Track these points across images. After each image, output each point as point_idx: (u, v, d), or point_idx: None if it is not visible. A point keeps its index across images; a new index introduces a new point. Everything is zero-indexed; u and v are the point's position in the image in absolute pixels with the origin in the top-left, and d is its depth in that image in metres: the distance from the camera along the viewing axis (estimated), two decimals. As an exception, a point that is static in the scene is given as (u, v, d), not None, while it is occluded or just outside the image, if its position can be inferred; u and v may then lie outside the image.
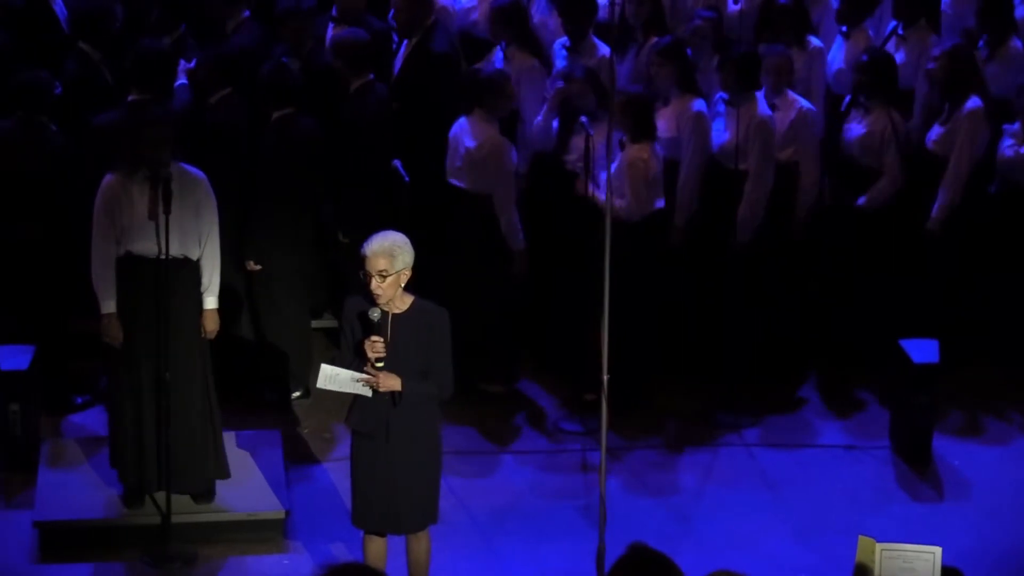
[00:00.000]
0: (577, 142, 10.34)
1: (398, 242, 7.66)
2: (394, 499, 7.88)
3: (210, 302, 8.96)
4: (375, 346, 7.59)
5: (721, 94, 10.57)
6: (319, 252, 10.42)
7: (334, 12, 11.26)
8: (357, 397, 7.80)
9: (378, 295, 7.62)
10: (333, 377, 7.67)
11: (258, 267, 10.01)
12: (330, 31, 11.01)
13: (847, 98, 10.85)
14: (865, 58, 10.57)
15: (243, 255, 10.03)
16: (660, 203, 10.20)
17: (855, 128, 10.62)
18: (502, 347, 10.47)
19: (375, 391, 7.67)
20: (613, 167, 9.96)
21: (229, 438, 9.50)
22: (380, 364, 7.61)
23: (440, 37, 11.06)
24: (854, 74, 10.66)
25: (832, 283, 10.83)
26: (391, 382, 7.63)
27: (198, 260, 8.89)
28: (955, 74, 10.49)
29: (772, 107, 10.52)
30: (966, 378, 10.63)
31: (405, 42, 11.12)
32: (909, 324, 10.27)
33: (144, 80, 9.97)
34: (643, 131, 10.05)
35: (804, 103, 10.57)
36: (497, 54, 11.15)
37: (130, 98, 9.99)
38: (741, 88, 10.33)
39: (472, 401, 10.22)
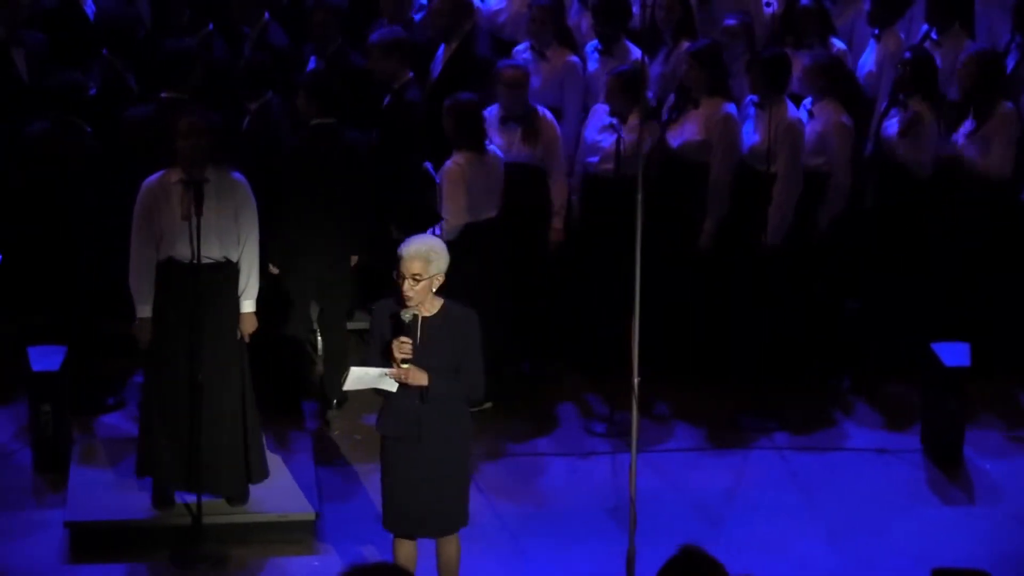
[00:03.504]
0: (599, 145, 10.42)
1: (435, 247, 7.72)
2: (425, 502, 7.90)
3: (247, 305, 8.99)
4: (403, 347, 7.63)
5: (751, 96, 10.58)
6: (356, 254, 10.40)
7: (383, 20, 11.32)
8: (387, 402, 7.83)
9: (409, 298, 7.67)
10: (361, 377, 7.72)
11: (276, 271, 9.99)
12: (381, 29, 10.98)
13: (883, 102, 10.84)
14: (908, 55, 10.58)
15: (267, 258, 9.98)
16: (492, 212, 10.16)
17: (892, 126, 10.62)
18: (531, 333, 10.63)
19: (403, 389, 7.71)
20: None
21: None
22: (406, 366, 7.66)
23: (482, 42, 11.11)
24: (897, 70, 10.64)
25: (861, 285, 10.84)
26: (418, 376, 7.67)
27: (238, 263, 8.93)
28: (984, 79, 10.48)
29: (809, 113, 10.53)
30: (997, 381, 10.64)
31: (443, 46, 11.14)
32: (940, 327, 10.27)
33: (173, 79, 10.02)
34: (466, 139, 9.99)
35: (840, 114, 10.52)
36: (524, 55, 11.18)
37: (163, 95, 10.05)
38: (770, 90, 10.34)
39: (501, 403, 10.24)
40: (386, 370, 7.69)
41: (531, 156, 10.42)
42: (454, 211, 9.93)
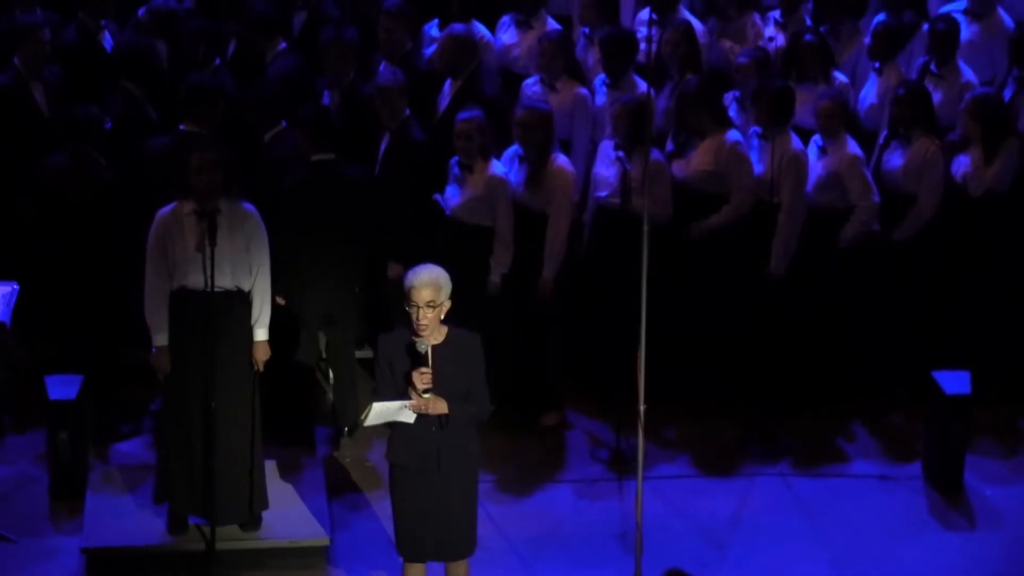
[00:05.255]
0: (608, 178, 10.49)
1: (442, 274, 7.81)
2: (441, 528, 7.99)
3: (260, 334, 9.06)
4: (424, 377, 7.71)
5: (755, 128, 10.69)
6: (360, 285, 10.43)
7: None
8: (396, 431, 7.91)
9: (424, 326, 7.74)
10: (382, 412, 7.79)
11: (283, 302, 10.02)
12: (383, 68, 11.08)
13: (883, 132, 10.92)
14: (901, 91, 10.67)
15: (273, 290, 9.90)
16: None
17: (895, 159, 10.71)
18: (552, 376, 10.60)
19: (418, 418, 7.79)
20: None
21: (272, 466, 9.62)
22: (427, 396, 7.75)
23: (488, 79, 11.15)
24: (892, 107, 10.74)
25: (866, 314, 10.88)
26: (439, 405, 7.77)
27: (250, 292, 9.03)
28: (987, 120, 10.58)
29: (822, 150, 10.64)
30: (997, 408, 10.69)
31: (449, 81, 11.20)
32: (942, 355, 10.36)
33: (196, 112, 10.14)
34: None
35: (854, 149, 10.61)
36: (534, 88, 11.30)
37: (181, 127, 10.17)
38: (773, 122, 10.44)
39: (511, 430, 10.29)
40: (405, 402, 7.77)
41: (532, 201, 10.33)
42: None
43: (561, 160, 10.34)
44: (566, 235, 10.29)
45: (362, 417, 7.84)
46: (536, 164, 10.29)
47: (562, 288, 10.39)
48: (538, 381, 10.52)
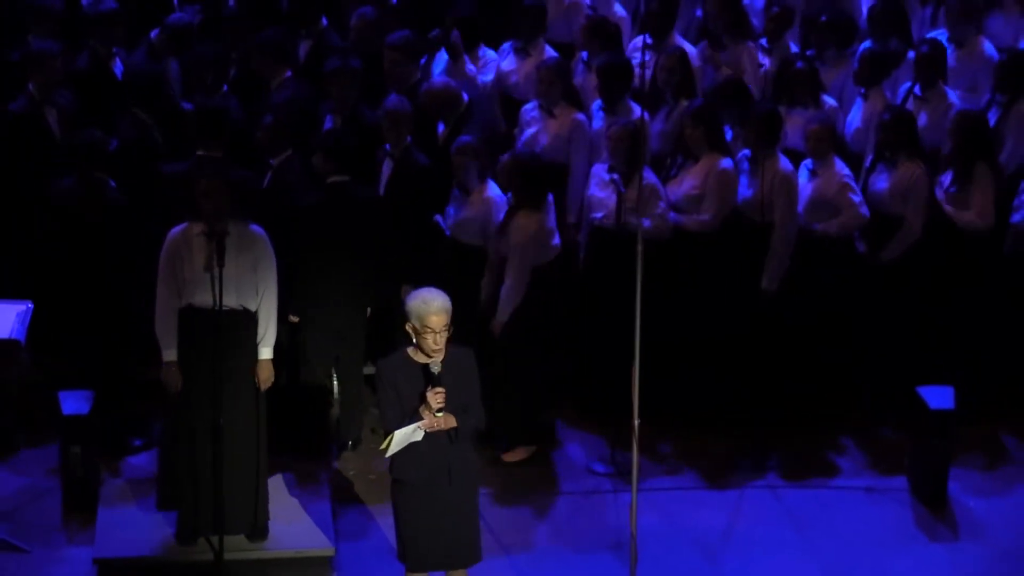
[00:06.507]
0: (603, 200, 10.67)
1: (447, 296, 8.05)
2: (450, 539, 8.18)
3: (265, 353, 9.22)
4: (438, 397, 7.92)
5: (744, 151, 10.84)
6: (371, 306, 10.52)
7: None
8: (403, 449, 8.08)
9: (437, 350, 7.95)
10: (401, 440, 7.98)
11: (296, 319, 10.22)
12: (392, 98, 11.14)
13: (868, 157, 11.09)
14: (887, 116, 10.83)
15: (286, 308, 10.03)
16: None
17: (881, 182, 10.85)
18: (530, 409, 10.63)
19: (427, 435, 7.99)
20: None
21: (278, 479, 9.78)
22: (440, 413, 7.98)
23: (478, 117, 11.17)
24: (877, 132, 10.89)
25: (856, 330, 11.01)
26: (449, 420, 7.99)
27: (256, 312, 9.21)
28: (966, 141, 10.72)
29: (812, 173, 10.82)
30: (981, 423, 10.81)
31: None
32: (927, 371, 10.48)
33: (208, 137, 10.29)
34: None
35: (842, 169, 10.75)
36: (532, 113, 11.51)
37: (199, 152, 10.31)
38: (762, 144, 10.61)
39: (507, 443, 10.47)
40: (418, 424, 7.97)
41: (500, 245, 10.35)
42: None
43: (528, 216, 10.18)
44: (522, 283, 10.20)
45: (383, 447, 8.01)
46: (510, 210, 10.30)
47: (526, 330, 10.32)
48: (503, 416, 10.45)
